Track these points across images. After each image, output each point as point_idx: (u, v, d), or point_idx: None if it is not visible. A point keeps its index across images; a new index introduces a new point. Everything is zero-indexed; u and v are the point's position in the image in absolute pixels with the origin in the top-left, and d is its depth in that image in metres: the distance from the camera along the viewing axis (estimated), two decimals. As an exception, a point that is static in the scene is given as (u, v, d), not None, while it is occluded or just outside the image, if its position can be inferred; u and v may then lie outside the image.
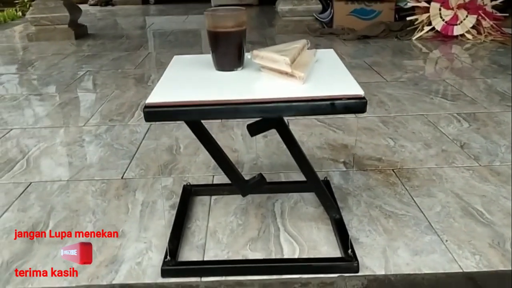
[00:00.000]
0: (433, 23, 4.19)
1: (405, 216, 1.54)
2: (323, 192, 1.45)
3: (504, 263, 1.31)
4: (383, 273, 1.29)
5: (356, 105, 1.12)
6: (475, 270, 1.29)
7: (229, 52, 1.32)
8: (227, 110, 1.12)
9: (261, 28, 5.09)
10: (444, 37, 4.16)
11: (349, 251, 1.30)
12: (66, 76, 3.37)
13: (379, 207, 1.60)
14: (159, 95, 1.16)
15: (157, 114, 1.12)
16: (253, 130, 1.40)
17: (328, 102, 1.12)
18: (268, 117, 1.17)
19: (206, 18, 1.30)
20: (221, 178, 1.83)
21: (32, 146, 2.17)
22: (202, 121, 1.31)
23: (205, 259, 1.37)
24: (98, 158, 2.04)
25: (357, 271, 1.28)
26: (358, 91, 1.13)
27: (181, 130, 2.30)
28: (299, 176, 1.80)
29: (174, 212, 1.60)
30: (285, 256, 1.36)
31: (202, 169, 1.91)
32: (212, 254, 1.39)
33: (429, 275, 1.27)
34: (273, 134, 2.20)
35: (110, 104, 2.74)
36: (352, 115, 2.43)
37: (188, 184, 1.71)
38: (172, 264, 1.29)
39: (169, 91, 1.20)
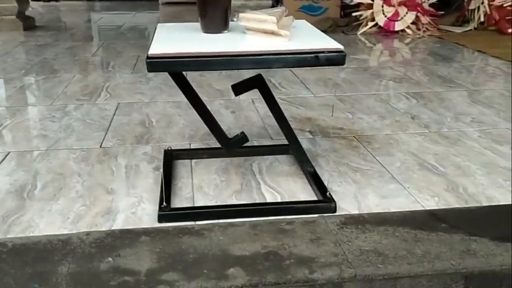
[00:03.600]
0: (376, 19, 4.47)
1: (370, 171, 1.72)
2: (299, 146, 1.60)
3: (459, 202, 1.51)
4: (357, 212, 1.45)
5: (336, 58, 1.28)
6: (435, 208, 1.47)
7: (216, 15, 1.44)
8: (224, 61, 1.25)
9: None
10: (386, 32, 4.44)
11: (328, 193, 1.46)
12: (22, 62, 3.35)
13: (346, 164, 1.77)
14: (159, 48, 1.26)
15: (159, 64, 1.23)
16: (238, 89, 1.53)
17: (312, 55, 1.27)
18: (259, 68, 1.30)
19: (197, -16, 1.42)
20: (197, 145, 1.94)
21: (1, 122, 2.19)
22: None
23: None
24: (73, 131, 2.09)
25: (335, 211, 1.43)
26: (338, 45, 1.29)
27: (150, 108, 2.39)
28: (271, 143, 1.96)
29: (158, 172, 1.69)
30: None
31: (178, 138, 2.01)
32: (202, 204, 1.50)
33: (397, 212, 1.44)
34: (241, 110, 2.35)
35: (73, 86, 2.77)
36: (311, 94, 2.61)
37: (169, 148, 1.81)
38: (168, 210, 1.39)
39: (167, 45, 1.31)
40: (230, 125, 2.17)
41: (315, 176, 1.59)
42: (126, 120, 2.23)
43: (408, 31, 4.42)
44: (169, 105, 2.43)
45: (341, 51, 1.28)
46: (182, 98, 2.25)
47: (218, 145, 1.83)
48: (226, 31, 1.46)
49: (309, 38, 1.40)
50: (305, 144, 1.94)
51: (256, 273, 1.17)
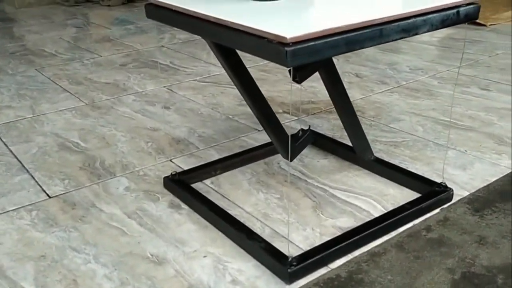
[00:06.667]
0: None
1: (406, 141, 1.51)
2: (362, 133, 1.29)
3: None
4: (466, 193, 1.23)
5: (474, 11, 1.02)
6: (517, 166, 1.36)
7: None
8: (372, 34, 0.87)
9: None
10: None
11: (443, 182, 1.21)
12: None
13: (378, 140, 1.52)
14: (290, 28, 0.81)
15: (304, 52, 0.78)
16: (302, 74, 1.13)
17: (454, 11, 0.98)
18: (406, 37, 0.94)
19: None
20: (183, 159, 1.44)
21: None
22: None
23: (297, 245, 1.06)
24: (-26, 184, 1.34)
25: (452, 199, 1.20)
26: (471, -4, 1.02)
27: (47, 125, 1.72)
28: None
29: (184, 211, 1.19)
30: (371, 212, 1.17)
31: (145, 157, 1.47)
32: (301, 238, 1.09)
33: (499, 182, 1.28)
34: (173, 104, 1.85)
35: None
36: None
37: (174, 173, 1.29)
38: (297, 263, 0.96)
39: (288, 23, 0.85)
40: (187, 124, 1.68)
41: (387, 164, 1.31)
42: (35, 149, 1.54)
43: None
44: (69, 115, 1.78)
45: (476, 3, 1.01)
46: (74, 102, 1.81)
47: (218, 156, 1.43)
48: (283, -4, 1.05)
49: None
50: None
51: (493, 309, 0.88)
